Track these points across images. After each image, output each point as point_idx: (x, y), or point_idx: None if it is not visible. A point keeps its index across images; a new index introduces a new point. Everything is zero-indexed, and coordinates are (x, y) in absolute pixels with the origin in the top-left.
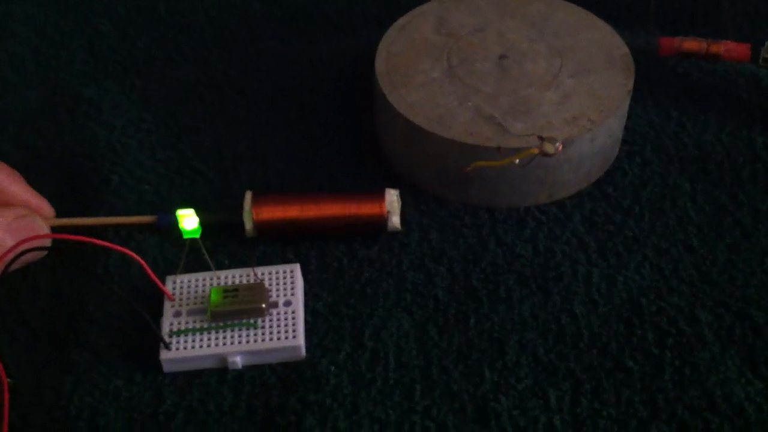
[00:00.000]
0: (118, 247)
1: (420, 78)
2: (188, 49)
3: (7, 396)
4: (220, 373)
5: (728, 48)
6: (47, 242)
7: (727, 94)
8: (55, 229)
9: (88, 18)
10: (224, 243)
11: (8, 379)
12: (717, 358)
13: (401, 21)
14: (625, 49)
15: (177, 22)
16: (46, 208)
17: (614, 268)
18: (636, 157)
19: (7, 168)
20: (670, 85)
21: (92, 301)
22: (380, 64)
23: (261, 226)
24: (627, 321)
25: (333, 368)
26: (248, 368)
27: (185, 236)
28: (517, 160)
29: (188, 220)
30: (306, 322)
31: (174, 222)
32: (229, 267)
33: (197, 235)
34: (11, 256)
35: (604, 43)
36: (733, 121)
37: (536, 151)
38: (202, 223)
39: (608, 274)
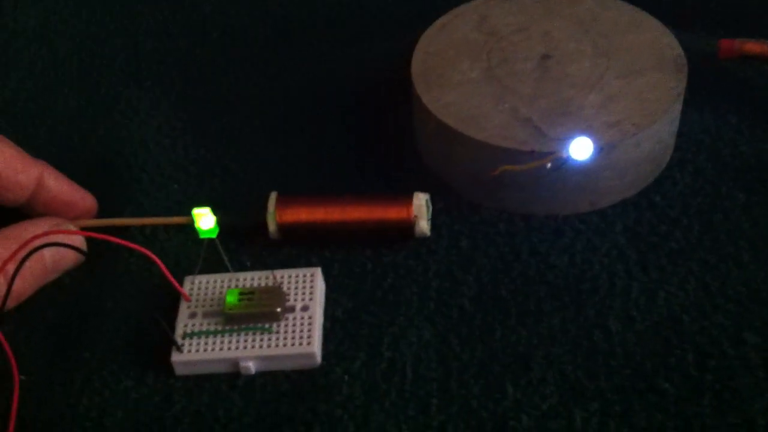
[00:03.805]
0: (137, 247)
1: (456, 78)
2: (229, 50)
3: (16, 393)
4: (231, 378)
5: None
6: (77, 240)
7: None
8: (90, 229)
9: (132, 18)
10: (248, 244)
11: (20, 376)
12: (761, 383)
13: (442, 20)
14: (679, 50)
15: (219, 24)
16: (89, 200)
17: (655, 283)
18: (688, 165)
19: (48, 165)
20: (730, 90)
21: (111, 298)
22: (416, 64)
23: (284, 228)
24: (665, 340)
25: (346, 377)
26: (261, 374)
27: (201, 236)
28: (549, 164)
29: (204, 219)
30: (324, 328)
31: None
32: (250, 269)
33: (214, 235)
34: (28, 249)
35: (655, 44)
36: None
37: (561, 155)
38: (226, 224)
39: (648, 289)
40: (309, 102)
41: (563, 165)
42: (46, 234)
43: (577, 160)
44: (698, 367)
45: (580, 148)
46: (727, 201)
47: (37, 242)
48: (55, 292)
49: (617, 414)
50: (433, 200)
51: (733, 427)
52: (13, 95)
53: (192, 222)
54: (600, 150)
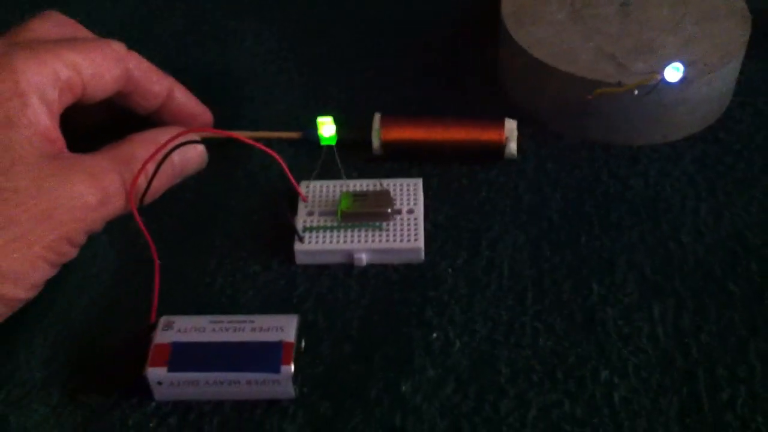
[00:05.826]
0: (262, 146)
1: (545, 18)
2: None
3: (157, 274)
4: (346, 268)
5: None
6: (196, 138)
7: None
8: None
9: None
10: (353, 160)
11: (158, 261)
12: None
13: None
14: (743, 4)
15: None
16: (208, 115)
17: (722, 205)
18: (748, 108)
19: (176, 80)
20: None
21: (233, 198)
22: (506, 4)
23: (387, 145)
24: (732, 251)
25: (450, 271)
26: (372, 266)
27: (322, 143)
28: (636, 91)
29: (326, 127)
30: (426, 230)
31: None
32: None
33: (333, 143)
34: (165, 150)
35: None
36: None
37: (657, 76)
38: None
39: (716, 209)
40: (399, 34)
41: (654, 88)
42: (178, 136)
43: (669, 83)
44: (762, 274)
45: (673, 72)
46: None
47: (173, 144)
48: (181, 192)
49: (690, 309)
50: (520, 129)
51: None
52: (126, 19)
53: (300, 137)
54: (684, 79)
